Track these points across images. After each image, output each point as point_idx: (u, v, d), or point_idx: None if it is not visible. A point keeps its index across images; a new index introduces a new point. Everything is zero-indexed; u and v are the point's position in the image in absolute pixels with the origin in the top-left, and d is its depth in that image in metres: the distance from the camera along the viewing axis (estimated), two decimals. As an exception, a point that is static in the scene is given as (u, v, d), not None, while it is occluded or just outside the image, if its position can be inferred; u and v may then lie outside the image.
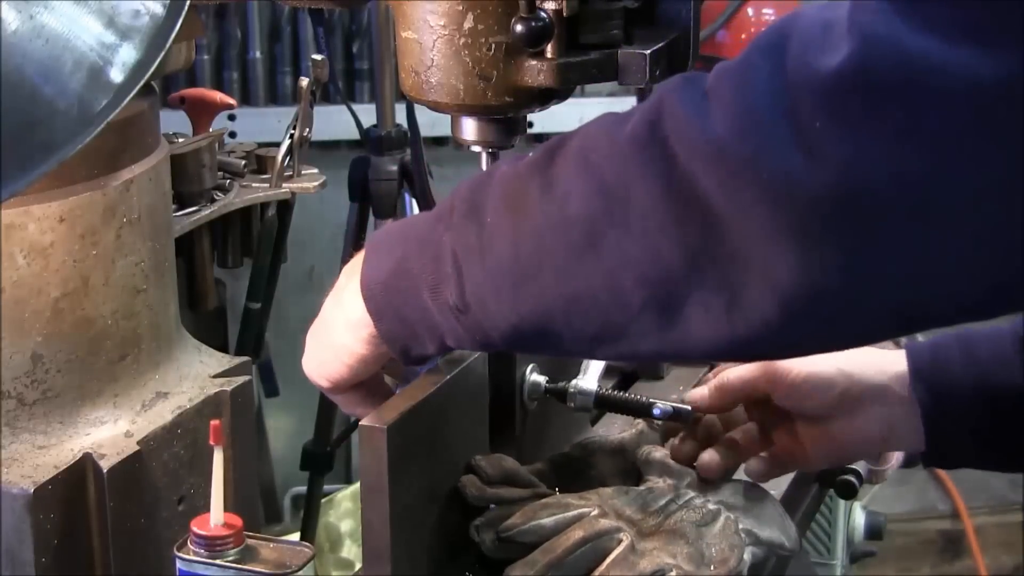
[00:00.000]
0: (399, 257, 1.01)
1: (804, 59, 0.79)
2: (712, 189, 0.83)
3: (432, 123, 2.07)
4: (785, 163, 0.79)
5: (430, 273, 0.98)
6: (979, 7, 0.75)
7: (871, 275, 0.81)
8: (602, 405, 1.26)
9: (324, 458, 2.50)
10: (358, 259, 1.05)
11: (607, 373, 1.29)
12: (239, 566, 1.01)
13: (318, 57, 1.90)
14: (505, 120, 1.18)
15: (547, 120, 3.03)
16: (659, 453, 1.20)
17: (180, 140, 1.75)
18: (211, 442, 1.02)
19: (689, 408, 1.20)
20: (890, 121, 0.77)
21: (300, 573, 1.01)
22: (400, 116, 2.35)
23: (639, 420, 1.24)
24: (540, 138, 3.19)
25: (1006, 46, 0.74)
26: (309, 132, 1.87)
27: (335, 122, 2.58)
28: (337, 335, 1.07)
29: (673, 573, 1.07)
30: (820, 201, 0.79)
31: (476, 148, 1.21)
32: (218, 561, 1.01)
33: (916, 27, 0.76)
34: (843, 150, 0.78)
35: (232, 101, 2.05)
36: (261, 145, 1.93)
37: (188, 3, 1.10)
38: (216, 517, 1.02)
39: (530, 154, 0.97)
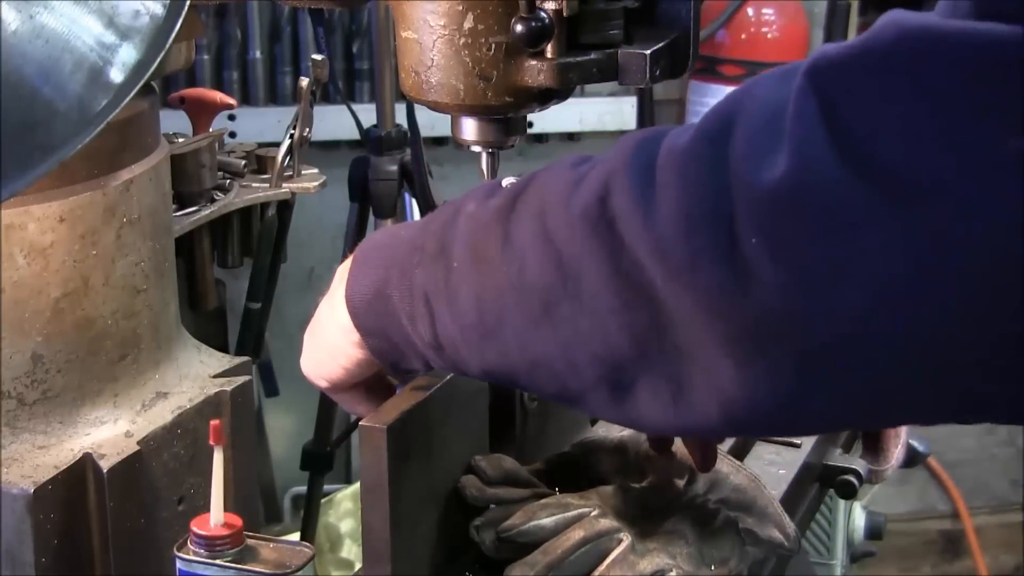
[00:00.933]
0: (381, 279, 1.01)
1: (746, 160, 0.76)
2: (657, 282, 0.81)
3: (432, 123, 2.08)
4: (719, 277, 0.77)
5: (407, 304, 0.98)
6: (912, 157, 0.71)
7: (807, 398, 0.79)
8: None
9: (324, 458, 2.50)
10: (348, 263, 1.05)
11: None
12: (239, 566, 1.01)
13: (318, 57, 1.90)
14: (505, 120, 1.18)
15: (547, 120, 3.05)
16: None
17: (180, 140, 1.75)
18: (211, 442, 1.02)
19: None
20: (820, 257, 0.74)
21: (300, 573, 1.01)
22: (400, 116, 2.35)
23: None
24: (540, 138, 3.19)
25: (939, 206, 0.71)
26: (309, 132, 1.87)
27: (335, 122, 2.58)
28: (331, 337, 1.07)
29: (673, 573, 1.07)
30: (754, 323, 0.77)
31: (476, 148, 1.20)
32: (218, 561, 1.01)
33: (848, 161, 0.73)
34: (777, 275, 0.75)
35: (232, 101, 2.05)
36: (261, 145, 1.93)
37: (188, 3, 1.10)
38: (216, 517, 1.02)
39: (504, 181, 0.97)
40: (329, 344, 1.08)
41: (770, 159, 0.75)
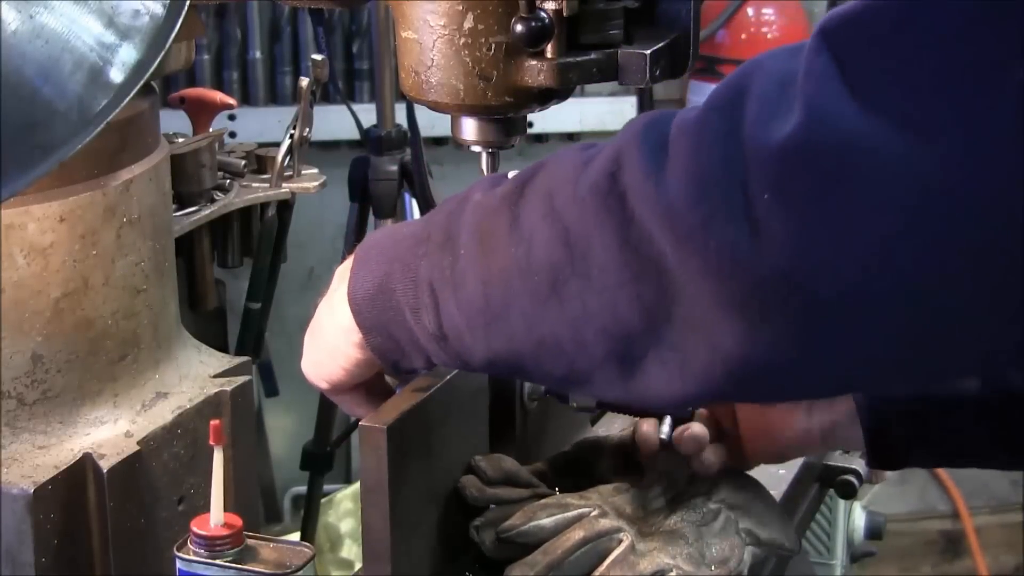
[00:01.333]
0: (384, 274, 1.01)
1: (758, 124, 0.77)
2: (666, 251, 0.82)
3: (432, 123, 2.08)
4: (731, 236, 0.78)
5: (411, 297, 0.98)
6: (921, 95, 0.73)
7: (812, 358, 0.80)
8: (604, 404, 1.26)
9: (324, 458, 2.50)
10: (348, 264, 1.05)
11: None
12: (239, 566, 1.01)
13: (318, 57, 1.89)
14: (505, 120, 1.18)
15: (547, 120, 3.05)
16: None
17: (180, 140, 1.74)
18: (211, 442, 1.02)
19: (689, 408, 1.20)
20: (831, 206, 0.75)
21: (300, 573, 1.01)
22: (400, 116, 2.35)
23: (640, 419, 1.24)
24: (540, 138, 3.19)
25: (948, 140, 0.72)
26: (309, 132, 1.87)
27: (335, 122, 2.58)
28: (331, 339, 1.07)
29: (673, 573, 1.07)
30: (763, 280, 0.77)
31: (476, 148, 1.21)
32: (218, 561, 1.01)
33: (862, 106, 0.73)
34: (787, 229, 0.76)
35: (232, 101, 2.04)
36: (261, 145, 1.93)
37: (188, 3, 1.10)
38: (216, 517, 1.02)
39: (510, 174, 0.97)
40: (329, 345, 1.07)
41: (782, 118, 0.76)
